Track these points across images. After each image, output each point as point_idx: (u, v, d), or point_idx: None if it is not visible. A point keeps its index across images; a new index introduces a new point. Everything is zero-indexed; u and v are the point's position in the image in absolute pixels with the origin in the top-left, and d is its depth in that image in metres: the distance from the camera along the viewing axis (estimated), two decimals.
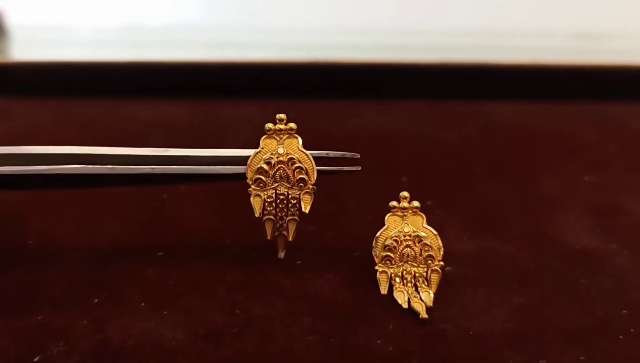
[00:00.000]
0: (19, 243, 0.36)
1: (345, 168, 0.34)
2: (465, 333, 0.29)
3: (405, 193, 0.33)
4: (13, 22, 0.87)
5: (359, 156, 0.33)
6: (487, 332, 0.29)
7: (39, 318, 0.30)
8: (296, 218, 0.33)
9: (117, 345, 0.28)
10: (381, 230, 0.33)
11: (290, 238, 0.33)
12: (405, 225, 0.33)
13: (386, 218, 0.33)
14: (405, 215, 0.33)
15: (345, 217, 0.40)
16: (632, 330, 0.30)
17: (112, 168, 0.32)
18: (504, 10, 0.94)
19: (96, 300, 0.31)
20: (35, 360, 0.27)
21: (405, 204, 0.33)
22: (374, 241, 0.33)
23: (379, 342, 0.29)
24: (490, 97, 0.63)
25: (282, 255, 0.34)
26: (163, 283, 0.33)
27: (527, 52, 0.83)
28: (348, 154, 0.33)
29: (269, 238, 0.33)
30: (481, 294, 0.32)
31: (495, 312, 0.31)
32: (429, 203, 0.39)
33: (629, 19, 0.91)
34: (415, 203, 0.33)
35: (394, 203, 0.33)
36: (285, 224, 0.33)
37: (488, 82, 0.64)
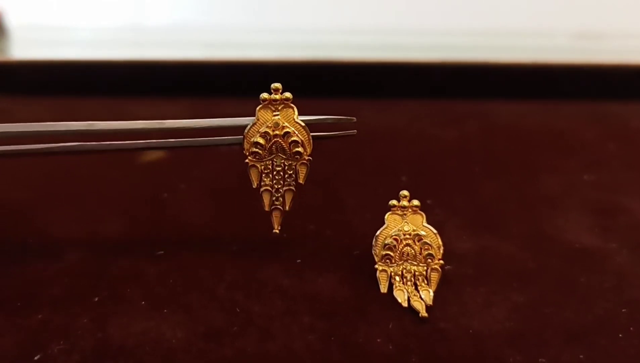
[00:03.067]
0: (19, 241, 0.36)
1: (340, 133, 0.34)
2: (465, 332, 0.29)
3: (405, 192, 0.33)
4: (13, 21, 0.87)
5: (355, 119, 0.33)
6: (486, 330, 0.29)
7: (40, 316, 0.30)
8: (292, 188, 0.33)
9: (118, 343, 0.28)
10: (381, 229, 0.33)
11: (287, 208, 0.33)
12: (405, 224, 0.33)
13: (386, 216, 0.33)
14: (405, 214, 0.33)
15: (345, 216, 0.40)
16: (631, 328, 0.30)
17: (109, 144, 0.32)
18: (504, 9, 0.94)
19: (96, 299, 0.31)
20: (35, 358, 0.27)
21: (405, 203, 0.33)
22: (374, 240, 0.33)
23: (378, 340, 0.29)
24: (490, 96, 0.63)
25: (277, 229, 0.34)
26: (163, 281, 0.33)
27: (526, 51, 0.83)
28: (344, 118, 0.33)
29: (266, 209, 0.33)
30: (481, 293, 0.32)
31: (495, 311, 0.31)
32: (428, 201, 0.39)
33: (629, 18, 0.91)
34: (415, 202, 0.33)
35: (393, 202, 0.33)
36: (281, 196, 0.33)
37: (488, 81, 0.64)
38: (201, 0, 1.03)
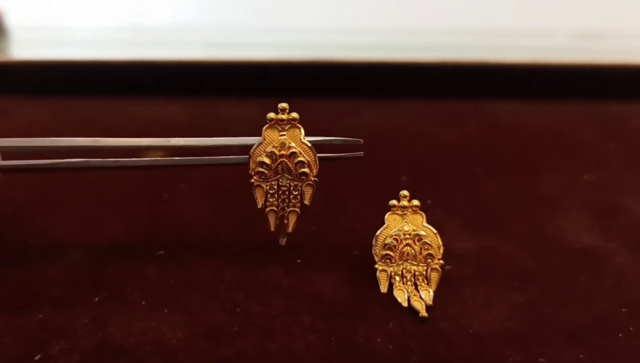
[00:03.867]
0: (19, 241, 0.36)
1: (347, 154, 0.33)
2: (465, 332, 0.29)
3: (405, 192, 0.33)
4: (13, 22, 0.87)
5: (362, 141, 0.33)
6: (486, 330, 0.29)
7: (40, 316, 0.30)
8: (297, 210, 0.33)
9: (118, 343, 0.28)
10: (381, 229, 0.33)
11: (290, 230, 0.33)
12: (405, 224, 0.33)
13: (386, 216, 0.33)
14: (405, 214, 0.33)
15: (345, 216, 0.40)
16: (631, 328, 0.30)
17: (115, 161, 0.32)
18: (504, 9, 0.94)
19: (97, 299, 0.31)
20: (36, 358, 0.27)
21: (405, 203, 0.33)
22: (374, 239, 0.33)
23: (378, 340, 0.29)
24: (490, 96, 0.63)
25: (283, 241, 0.34)
26: (163, 281, 0.33)
27: (527, 51, 0.83)
28: (351, 140, 0.33)
29: (272, 229, 0.33)
30: (481, 292, 0.32)
31: (495, 311, 0.31)
32: (428, 201, 0.39)
33: (629, 18, 0.91)
34: (415, 202, 0.33)
35: (393, 202, 0.33)
36: (286, 216, 0.33)
37: (488, 81, 0.64)
38: (201, 0, 1.03)
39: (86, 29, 0.97)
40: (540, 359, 0.28)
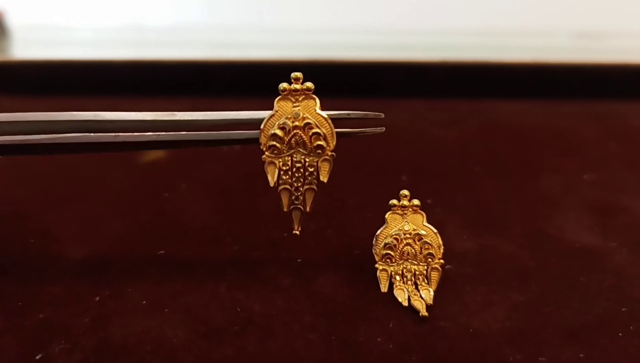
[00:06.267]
0: (20, 241, 0.37)
1: (368, 130, 0.31)
2: (465, 331, 0.29)
3: (405, 191, 0.33)
4: (14, 22, 0.87)
5: (382, 115, 0.31)
6: (486, 329, 0.29)
7: (41, 316, 0.30)
8: (314, 187, 0.30)
9: (119, 343, 0.28)
10: (381, 228, 0.33)
11: (308, 209, 0.31)
12: (406, 223, 0.33)
13: (386, 216, 0.33)
14: (405, 213, 0.33)
15: (345, 215, 0.40)
16: (631, 327, 0.30)
17: (115, 135, 0.30)
18: (505, 9, 0.94)
19: (97, 298, 0.31)
20: (37, 357, 0.27)
21: (405, 202, 0.33)
22: (374, 239, 0.33)
23: (379, 339, 0.29)
24: (491, 95, 0.63)
25: (298, 230, 0.31)
26: (164, 281, 0.33)
27: (527, 50, 0.83)
28: (371, 114, 0.31)
29: (285, 209, 0.31)
30: (481, 292, 0.32)
31: (495, 310, 0.31)
32: (429, 201, 0.39)
33: (629, 17, 0.91)
34: (416, 201, 0.33)
35: (394, 201, 0.33)
36: (302, 195, 0.30)
37: (488, 80, 0.64)
38: (202, 0, 1.04)
39: (87, 29, 0.97)
40: (540, 358, 0.28)
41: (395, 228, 0.33)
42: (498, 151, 0.52)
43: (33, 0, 0.96)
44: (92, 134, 0.30)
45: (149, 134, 0.30)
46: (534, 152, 0.51)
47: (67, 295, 0.31)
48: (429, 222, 0.33)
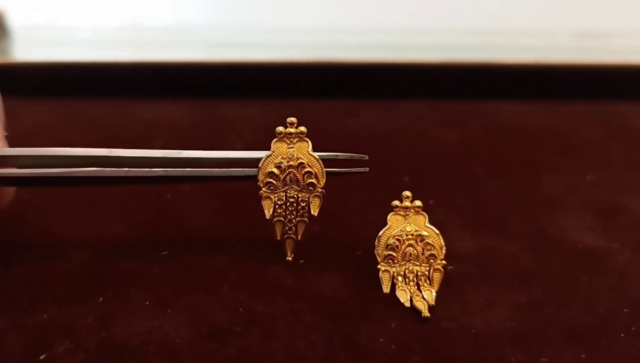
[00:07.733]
0: (24, 242, 0.37)
1: (353, 170, 0.34)
2: (467, 332, 0.29)
3: (407, 193, 0.33)
4: (15, 22, 0.87)
5: (367, 157, 0.34)
6: (488, 330, 0.30)
7: (45, 316, 0.30)
8: (305, 219, 0.34)
9: (122, 343, 0.28)
10: (383, 229, 0.33)
11: (299, 238, 0.34)
12: (408, 224, 0.33)
13: (388, 217, 0.33)
14: (407, 214, 0.33)
15: (347, 216, 0.40)
16: (633, 328, 0.30)
17: (127, 171, 0.33)
18: (506, 9, 0.94)
19: (101, 299, 0.31)
20: (41, 357, 0.27)
21: (407, 203, 0.33)
22: (377, 240, 0.33)
23: (381, 340, 0.29)
24: (492, 96, 0.63)
25: (290, 257, 0.34)
26: (167, 281, 0.33)
27: (529, 51, 0.83)
28: (357, 156, 0.34)
29: (278, 238, 0.34)
30: (483, 292, 0.32)
31: (496, 310, 0.31)
32: (431, 202, 0.39)
33: (631, 17, 0.91)
34: (418, 202, 0.33)
35: (396, 202, 0.33)
36: (294, 226, 0.34)
37: (490, 81, 0.64)
38: (203, 1, 1.04)
39: (88, 29, 0.97)
40: (542, 359, 0.28)
41: (398, 229, 0.33)
42: (500, 151, 0.52)
43: (33, 0, 0.96)
44: (106, 169, 0.33)
45: (158, 170, 0.33)
46: (535, 153, 0.51)
47: (70, 296, 0.32)
48: (431, 223, 0.33)
